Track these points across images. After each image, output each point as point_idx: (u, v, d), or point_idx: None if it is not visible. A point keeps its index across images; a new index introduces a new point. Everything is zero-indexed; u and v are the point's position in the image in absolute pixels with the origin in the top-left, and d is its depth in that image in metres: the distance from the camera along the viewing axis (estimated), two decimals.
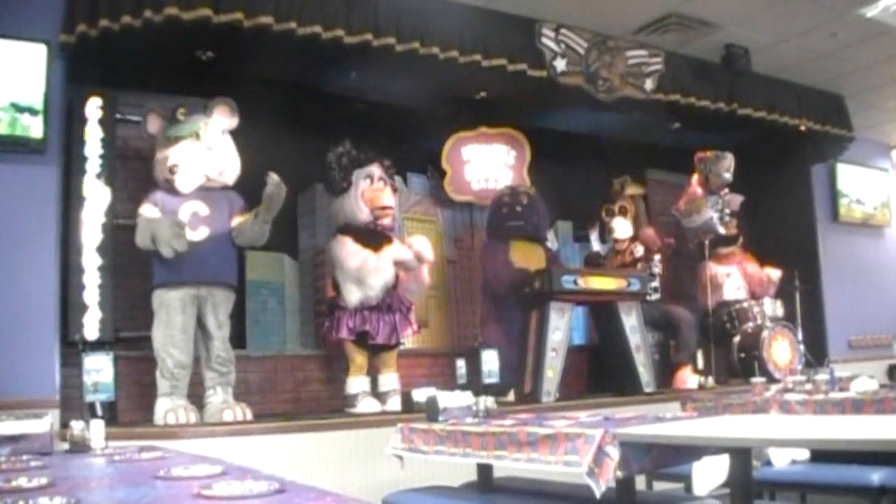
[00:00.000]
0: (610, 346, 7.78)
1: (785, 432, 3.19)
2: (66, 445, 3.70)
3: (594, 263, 8.52)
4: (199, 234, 5.72)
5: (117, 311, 6.03)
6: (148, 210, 5.76)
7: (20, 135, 5.51)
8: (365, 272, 6.41)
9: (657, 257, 8.49)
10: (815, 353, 8.83)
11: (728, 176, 8.85)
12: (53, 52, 5.66)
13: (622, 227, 8.50)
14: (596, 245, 8.78)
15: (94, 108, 6.01)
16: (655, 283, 8.38)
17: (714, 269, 8.86)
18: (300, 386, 7.00)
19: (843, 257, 10.04)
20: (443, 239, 8.52)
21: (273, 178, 5.67)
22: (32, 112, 5.52)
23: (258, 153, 6.14)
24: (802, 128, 8.95)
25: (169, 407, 5.46)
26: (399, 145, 7.59)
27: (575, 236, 9.41)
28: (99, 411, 5.26)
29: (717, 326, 8.61)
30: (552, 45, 7.33)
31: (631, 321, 7.48)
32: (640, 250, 8.33)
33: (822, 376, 5.22)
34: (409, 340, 7.27)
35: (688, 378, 8.06)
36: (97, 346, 5.68)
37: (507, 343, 7.20)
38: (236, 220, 5.81)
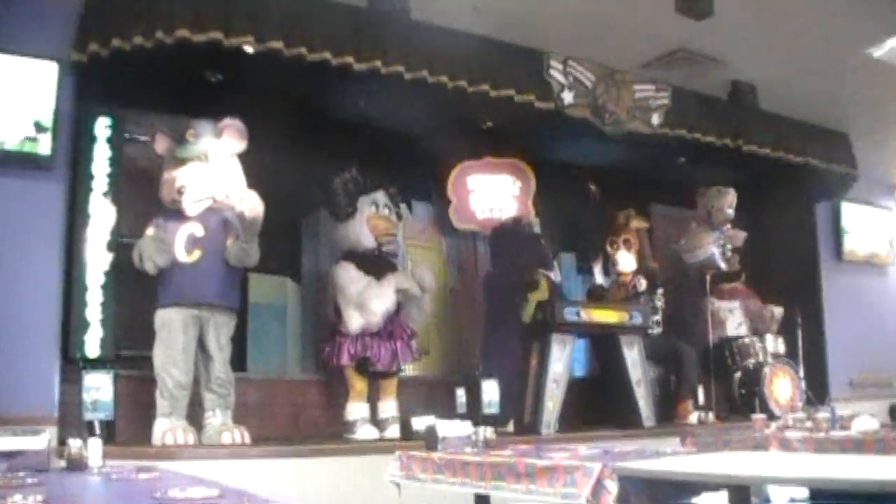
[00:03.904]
0: (611, 379, 7.76)
1: (784, 470, 3.17)
2: (63, 463, 3.70)
3: (597, 296, 8.51)
4: (199, 255, 5.74)
5: (118, 330, 6.02)
6: (151, 233, 5.79)
7: (29, 151, 5.53)
8: (366, 298, 6.41)
9: (660, 291, 8.48)
10: (817, 390, 8.80)
11: (730, 211, 8.87)
12: (64, 70, 5.69)
13: (626, 261, 8.49)
14: (599, 278, 8.77)
15: (102, 126, 6.04)
16: (658, 317, 8.37)
17: (716, 304, 8.85)
18: (299, 410, 6.98)
19: (847, 295, 10.01)
20: (446, 267, 8.51)
21: (245, 200, 5.65)
22: (42, 129, 5.55)
23: (263, 176, 6.16)
24: (808, 162, 8.95)
25: (167, 427, 5.45)
26: (404, 173, 7.61)
27: (578, 268, 9.40)
28: (97, 430, 5.24)
29: (719, 362, 8.59)
30: (560, 77, 7.37)
31: (632, 354, 7.48)
32: (643, 284, 8.32)
33: (822, 414, 5.22)
34: (409, 368, 7.25)
35: (688, 413, 8.03)
36: (97, 363, 5.67)
37: (507, 373, 7.18)
38: (228, 242, 5.82)
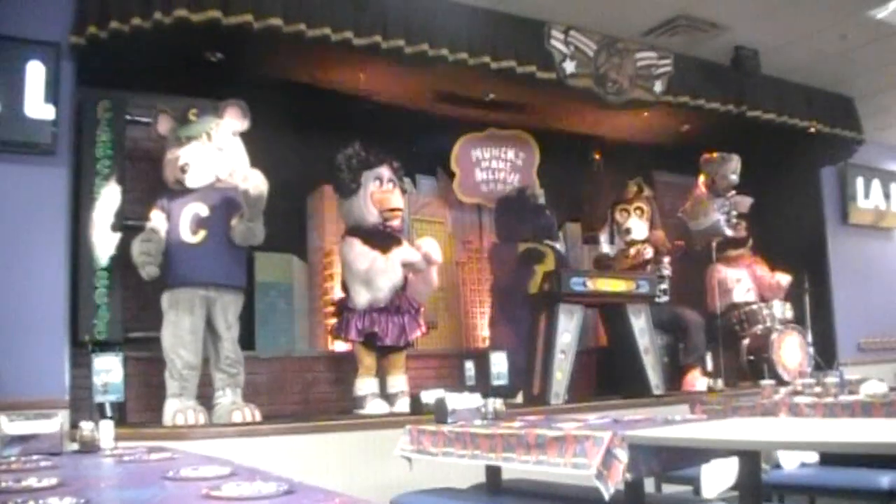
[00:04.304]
0: (619, 348, 7.77)
1: (794, 435, 3.18)
2: (75, 446, 3.72)
3: (604, 265, 8.50)
4: (204, 235, 5.75)
5: (126, 312, 6.06)
6: (155, 215, 5.81)
7: (30, 136, 5.50)
8: (373, 274, 6.41)
9: (666, 259, 8.47)
10: (825, 355, 8.82)
11: (734, 178, 8.83)
12: (63, 54, 5.68)
13: (639, 228, 8.48)
14: (605, 247, 8.77)
15: (103, 109, 6.06)
16: (665, 286, 8.36)
17: (723, 271, 8.84)
18: (309, 387, 7.01)
19: (853, 260, 10.00)
20: (451, 241, 8.52)
21: (249, 178, 5.65)
22: (43, 113, 5.52)
23: (267, 154, 6.15)
24: (812, 130, 8.91)
25: (178, 408, 5.47)
26: (408, 147, 7.59)
27: (583, 238, 9.40)
28: (108, 412, 5.29)
29: (727, 329, 8.59)
30: (561, 47, 7.32)
31: (640, 323, 7.47)
32: (649, 252, 8.31)
33: (831, 379, 5.22)
34: (417, 342, 7.27)
35: (697, 380, 8.05)
36: (106, 346, 5.70)
37: (515, 345, 7.20)
38: (233, 221, 5.82)
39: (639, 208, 8.58)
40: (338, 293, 6.99)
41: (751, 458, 3.35)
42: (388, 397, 6.62)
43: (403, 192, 7.07)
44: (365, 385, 6.58)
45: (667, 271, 8.44)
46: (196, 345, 5.69)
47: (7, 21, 5.52)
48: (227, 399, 5.74)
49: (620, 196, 8.69)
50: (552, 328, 6.99)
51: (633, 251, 8.42)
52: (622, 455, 3.12)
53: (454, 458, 3.96)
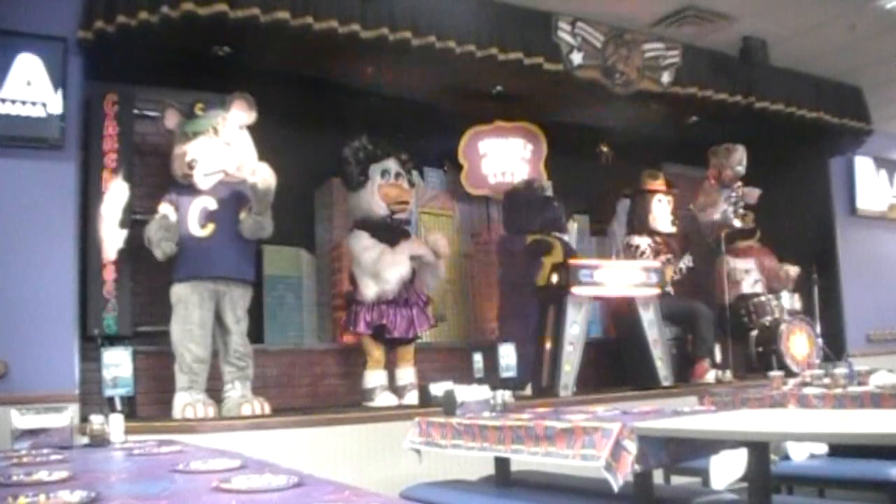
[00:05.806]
0: (628, 340, 7.76)
1: (803, 426, 3.17)
2: (85, 439, 3.73)
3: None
4: (212, 229, 5.76)
5: (136, 306, 6.08)
6: (164, 208, 5.82)
7: (38, 131, 5.52)
8: (381, 266, 6.41)
9: (688, 256, 8.40)
10: (834, 346, 8.79)
11: (740, 169, 8.80)
12: (71, 49, 5.69)
13: (667, 217, 8.49)
14: (620, 231, 8.70)
15: (111, 103, 6.05)
16: (676, 277, 8.32)
17: (732, 263, 8.83)
18: (318, 380, 7.02)
19: (862, 251, 9.97)
20: (459, 233, 8.52)
21: (257, 172, 5.65)
22: (50, 108, 5.53)
23: (275, 148, 6.16)
24: (821, 118, 8.87)
25: (187, 401, 5.49)
26: (415, 140, 7.59)
27: (591, 230, 9.38)
28: (118, 406, 5.29)
29: (735, 320, 8.57)
30: (569, 38, 7.31)
31: (649, 315, 7.46)
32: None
33: (840, 370, 5.21)
34: (426, 334, 7.27)
35: (705, 372, 8.03)
36: (116, 340, 5.71)
37: (524, 337, 7.19)
38: (241, 215, 5.82)
39: (671, 199, 8.57)
40: (346, 286, 7.00)
41: (760, 450, 3.35)
42: (396, 390, 6.63)
43: (411, 184, 7.07)
44: (374, 378, 6.59)
45: (690, 264, 8.38)
46: (205, 338, 5.71)
47: (14, 16, 5.54)
48: (237, 392, 5.75)
49: (645, 184, 8.62)
50: (560, 320, 7.00)
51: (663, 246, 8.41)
52: (631, 446, 3.12)
53: (463, 450, 3.96)
